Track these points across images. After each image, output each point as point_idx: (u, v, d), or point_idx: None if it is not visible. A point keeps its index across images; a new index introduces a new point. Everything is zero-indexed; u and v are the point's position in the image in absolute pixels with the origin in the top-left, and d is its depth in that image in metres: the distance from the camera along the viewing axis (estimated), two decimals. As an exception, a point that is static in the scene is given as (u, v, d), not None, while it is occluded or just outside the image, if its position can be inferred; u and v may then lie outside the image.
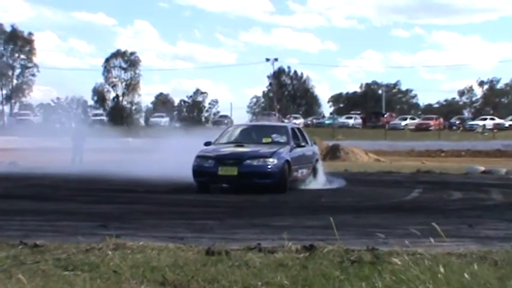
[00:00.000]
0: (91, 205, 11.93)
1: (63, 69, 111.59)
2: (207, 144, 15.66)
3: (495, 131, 60.24)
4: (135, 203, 12.45)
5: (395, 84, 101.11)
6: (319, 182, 16.62)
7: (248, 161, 14.52)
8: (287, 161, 14.81)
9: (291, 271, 5.54)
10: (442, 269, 4.89)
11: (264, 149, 15.08)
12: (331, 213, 6.56)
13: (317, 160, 17.21)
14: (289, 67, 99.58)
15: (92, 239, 7.07)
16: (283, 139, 15.90)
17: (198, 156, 14.96)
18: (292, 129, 16.94)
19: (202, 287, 5.02)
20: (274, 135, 16.08)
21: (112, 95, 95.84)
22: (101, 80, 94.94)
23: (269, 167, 14.46)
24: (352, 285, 4.78)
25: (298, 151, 15.80)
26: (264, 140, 15.76)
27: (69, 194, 14.29)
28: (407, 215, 10.63)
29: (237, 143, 15.64)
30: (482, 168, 24.41)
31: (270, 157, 14.61)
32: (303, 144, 16.44)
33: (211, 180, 14.77)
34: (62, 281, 5.17)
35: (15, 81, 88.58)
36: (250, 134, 16.59)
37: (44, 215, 10.12)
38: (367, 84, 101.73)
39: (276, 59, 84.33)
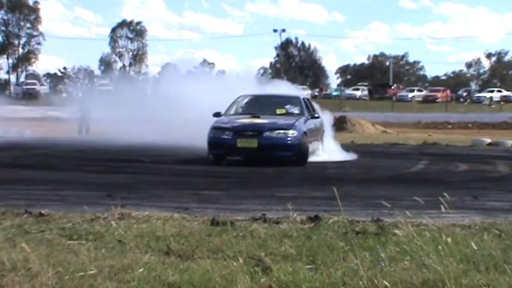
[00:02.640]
0: (97, 175, 11.96)
1: (69, 38, 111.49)
2: (217, 115, 14.97)
3: (502, 103, 60.00)
4: (141, 173, 12.48)
5: (402, 56, 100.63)
6: (326, 153, 16.44)
7: (268, 133, 14.03)
8: (305, 132, 14.43)
9: (296, 242, 5.55)
10: (446, 240, 4.89)
11: (282, 121, 14.58)
12: (337, 184, 6.57)
13: (323, 132, 17.01)
14: (296, 38, 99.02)
15: (97, 209, 7.10)
16: (297, 110, 15.49)
17: (214, 128, 14.34)
18: (304, 99, 16.73)
19: (207, 256, 5.04)
20: (287, 106, 15.63)
21: (119, 65, 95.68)
22: (107, 50, 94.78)
23: (289, 139, 14.02)
24: (356, 256, 4.78)
25: (312, 122, 15.41)
26: (278, 111, 15.27)
27: (75, 163, 14.33)
28: (413, 186, 10.62)
29: (251, 114, 14.97)
30: (488, 141, 24.38)
31: (290, 129, 14.15)
32: (316, 115, 16.07)
33: (229, 152, 14.30)
34: (67, 250, 5.20)
35: (21, 50, 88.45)
36: (262, 104, 15.88)
37: (49, 185, 10.15)
38: (375, 56, 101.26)
39: (283, 30, 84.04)
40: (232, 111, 15.55)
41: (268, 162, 13.83)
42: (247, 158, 14.29)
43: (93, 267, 4.54)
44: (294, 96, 17.31)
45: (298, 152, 14.09)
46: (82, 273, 4.40)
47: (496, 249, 4.80)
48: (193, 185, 10.60)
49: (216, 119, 14.83)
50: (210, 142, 14.24)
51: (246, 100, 16.30)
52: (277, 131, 14.12)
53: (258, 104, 15.98)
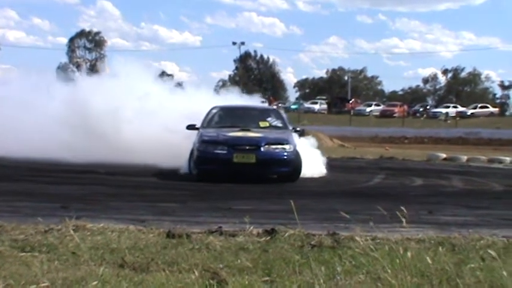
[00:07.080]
0: (52, 186, 11.80)
1: (24, 47, 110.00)
2: (191, 127, 14.15)
3: (458, 118, 60.80)
4: (97, 184, 12.34)
5: (361, 71, 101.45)
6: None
7: (266, 148, 13.21)
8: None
9: (252, 255, 5.55)
10: (403, 254, 4.92)
11: (275, 134, 13.83)
12: (294, 198, 6.58)
13: None
14: (255, 51, 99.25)
15: (52, 220, 7.00)
16: (279, 123, 14.84)
17: (204, 141, 13.35)
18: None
19: (162, 269, 5.00)
20: (269, 119, 14.95)
21: (76, 75, 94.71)
22: (64, 59, 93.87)
23: (286, 154, 13.29)
24: (311, 269, 4.78)
25: (293, 136, 14.55)
26: (261, 124, 14.50)
27: (30, 174, 14.11)
28: (369, 200, 10.67)
29: (236, 126, 14.02)
30: (444, 156, 24.70)
31: (287, 143, 13.47)
32: (298, 129, 15.26)
33: (223, 168, 13.14)
34: (19, 262, 5.11)
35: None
36: (240, 116, 14.96)
37: (2, 196, 9.98)
38: (333, 70, 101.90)
39: (242, 43, 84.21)
40: (210, 123, 14.57)
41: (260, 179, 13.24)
42: (241, 175, 13.12)
43: (45, 280, 4.47)
44: (271, 108, 16.35)
45: (294, 167, 13.46)
46: (34, 286, 4.33)
47: (449, 264, 4.85)
48: (150, 197, 10.53)
49: (201, 131, 13.95)
50: (200, 157, 13.24)
51: (221, 112, 15.25)
52: (275, 146, 13.36)
53: (236, 116, 15.08)
